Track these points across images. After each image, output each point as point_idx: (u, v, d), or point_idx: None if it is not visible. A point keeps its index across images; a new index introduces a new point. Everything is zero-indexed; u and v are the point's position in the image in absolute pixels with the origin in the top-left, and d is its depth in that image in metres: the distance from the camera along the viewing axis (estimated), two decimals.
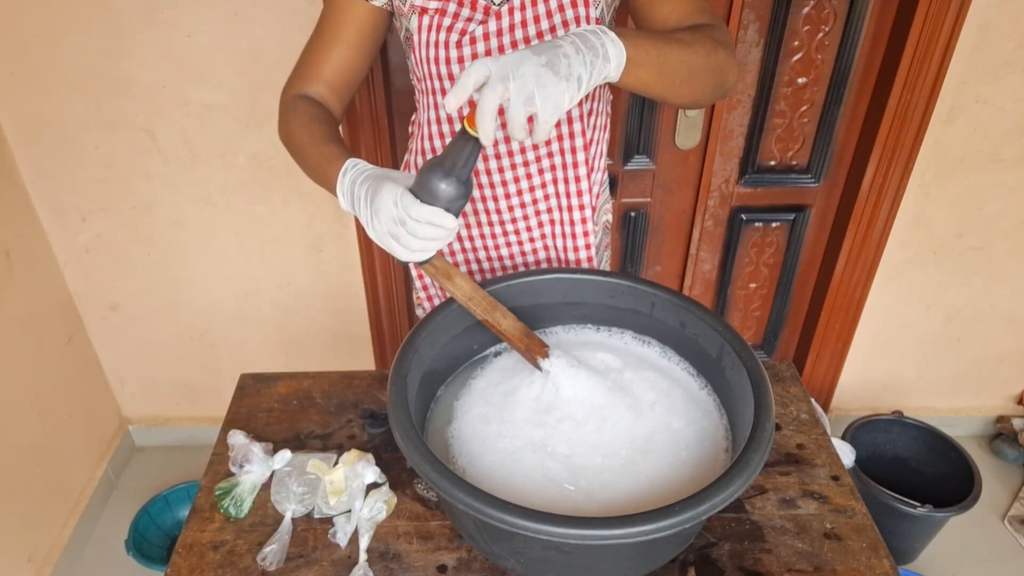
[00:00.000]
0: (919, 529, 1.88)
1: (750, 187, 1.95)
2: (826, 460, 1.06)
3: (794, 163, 1.92)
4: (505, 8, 0.97)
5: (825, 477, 1.03)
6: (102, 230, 1.92)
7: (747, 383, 0.88)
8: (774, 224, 2.02)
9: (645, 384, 0.99)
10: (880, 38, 1.73)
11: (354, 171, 0.90)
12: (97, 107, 1.72)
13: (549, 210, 1.15)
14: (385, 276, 1.99)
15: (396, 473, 1.04)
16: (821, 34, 1.72)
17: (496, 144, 1.08)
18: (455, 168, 0.82)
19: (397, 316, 2.08)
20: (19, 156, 1.80)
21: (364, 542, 0.94)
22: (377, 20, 1.04)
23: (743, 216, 2.00)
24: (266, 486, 1.01)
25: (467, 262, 1.23)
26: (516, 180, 1.11)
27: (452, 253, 1.22)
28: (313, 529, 0.97)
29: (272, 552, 0.92)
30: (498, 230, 1.17)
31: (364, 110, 1.72)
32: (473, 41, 0.98)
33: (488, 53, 0.99)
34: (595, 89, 1.09)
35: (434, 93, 1.06)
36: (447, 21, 0.98)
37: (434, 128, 1.10)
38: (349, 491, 0.98)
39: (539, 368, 0.97)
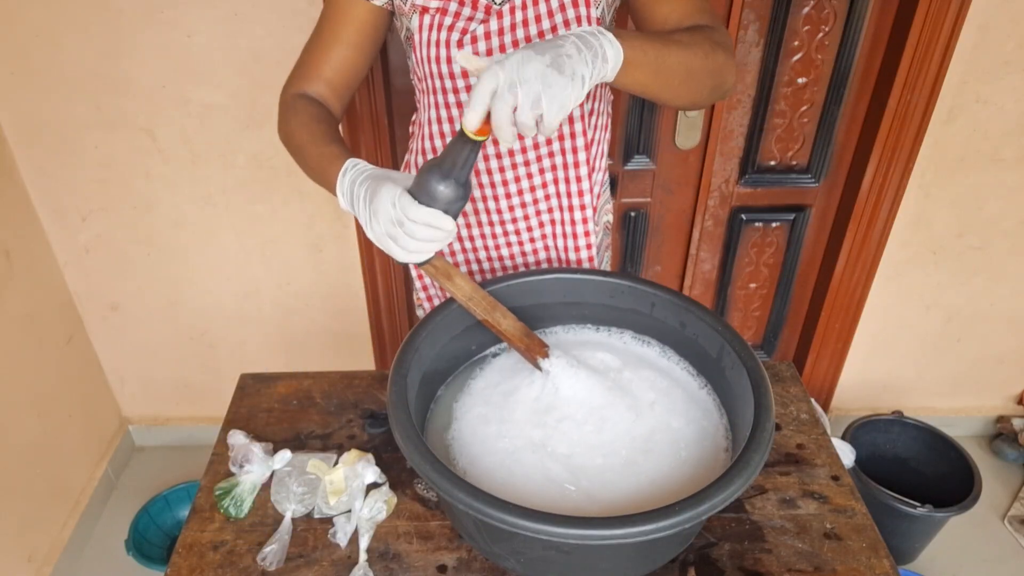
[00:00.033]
0: (919, 529, 1.88)
1: (750, 187, 1.96)
2: (826, 460, 1.06)
3: (794, 163, 1.92)
4: (506, 7, 0.97)
5: (825, 477, 1.03)
6: (102, 230, 1.92)
7: (747, 383, 0.88)
8: (774, 224, 2.02)
9: (644, 383, 0.99)
10: (880, 38, 1.73)
11: (354, 171, 0.90)
12: (97, 107, 1.72)
13: (550, 210, 1.15)
14: (385, 276, 1.99)
15: (396, 473, 1.04)
16: (821, 34, 1.72)
17: (497, 144, 1.08)
18: (454, 170, 0.82)
19: (397, 316, 2.08)
20: (19, 156, 1.80)
21: (364, 542, 0.94)
22: (377, 20, 1.04)
23: (743, 216, 2.00)
24: (266, 486, 1.01)
25: (467, 262, 1.23)
26: (517, 180, 1.11)
27: (452, 253, 1.22)
28: (313, 529, 0.97)
29: (272, 552, 0.92)
30: (499, 230, 1.17)
31: (364, 110, 1.72)
32: (474, 40, 0.98)
33: (489, 52, 0.99)
34: (596, 89, 1.10)
35: (435, 92, 1.06)
36: (448, 20, 0.98)
37: (435, 128, 1.10)
38: (349, 491, 0.98)
39: (539, 368, 0.97)
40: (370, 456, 1.02)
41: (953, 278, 2.03)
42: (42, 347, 1.92)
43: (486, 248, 1.20)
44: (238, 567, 0.92)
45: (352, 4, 1.02)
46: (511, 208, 1.14)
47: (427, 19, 0.99)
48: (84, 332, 2.10)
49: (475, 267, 1.23)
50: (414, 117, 1.18)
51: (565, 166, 1.10)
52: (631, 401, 0.95)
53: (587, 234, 1.17)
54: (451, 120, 1.08)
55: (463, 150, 0.80)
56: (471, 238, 1.19)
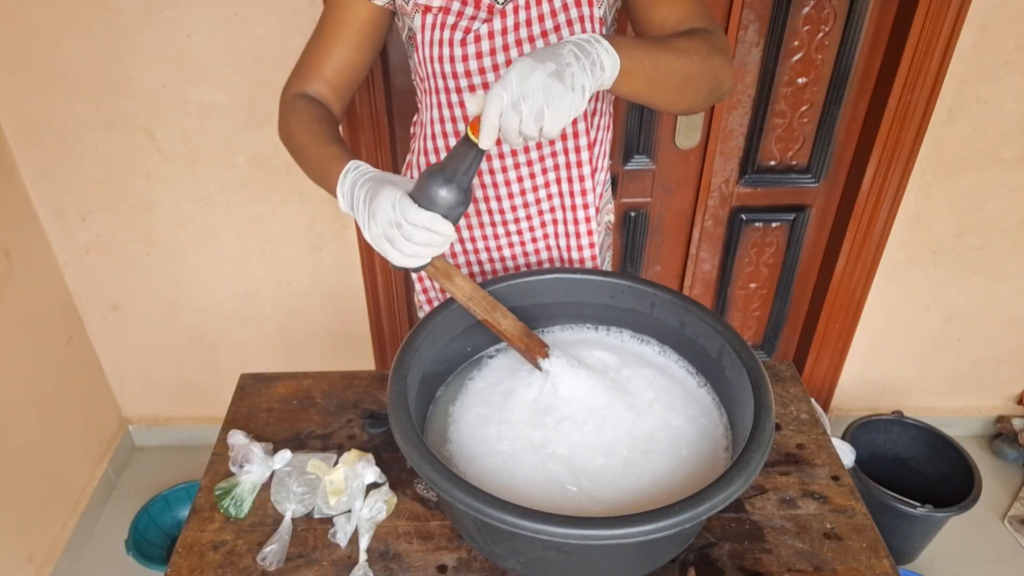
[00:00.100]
0: (919, 529, 1.88)
1: (750, 187, 1.96)
2: (826, 460, 1.06)
3: (794, 163, 1.92)
4: (509, 7, 0.97)
5: (825, 477, 1.03)
6: (102, 230, 1.92)
7: (747, 383, 0.88)
8: (774, 224, 2.02)
9: (643, 382, 0.99)
10: (880, 38, 1.73)
11: (355, 173, 0.90)
12: (97, 107, 1.72)
13: (552, 210, 1.15)
14: (385, 276, 1.99)
15: (396, 473, 1.04)
16: (821, 34, 1.72)
17: (499, 144, 1.08)
18: (456, 175, 0.82)
19: (397, 316, 2.08)
20: (19, 156, 1.80)
21: (364, 542, 0.94)
22: (379, 19, 1.04)
23: (743, 216, 2.00)
24: (266, 486, 1.01)
25: (469, 263, 1.23)
26: (519, 180, 1.11)
27: (454, 254, 1.22)
28: (313, 529, 0.97)
29: (272, 552, 0.92)
30: (501, 230, 1.17)
31: (364, 110, 1.72)
32: (477, 40, 0.98)
33: (492, 52, 0.99)
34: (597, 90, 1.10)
35: (437, 92, 1.06)
36: (451, 20, 0.98)
37: (437, 128, 1.10)
38: (349, 491, 0.98)
39: (539, 368, 0.97)
40: (370, 456, 1.02)
41: (953, 278, 2.03)
42: (42, 347, 1.92)
43: (488, 248, 1.20)
44: (238, 567, 0.92)
45: (353, 4, 1.02)
46: (513, 208, 1.14)
47: (430, 19, 0.98)
48: (84, 332, 2.10)
49: (476, 267, 1.23)
50: (415, 117, 1.18)
51: (568, 166, 1.10)
52: (631, 401, 0.95)
53: (589, 233, 1.17)
54: (453, 120, 1.08)
55: (467, 156, 0.80)
56: (473, 239, 1.19)
